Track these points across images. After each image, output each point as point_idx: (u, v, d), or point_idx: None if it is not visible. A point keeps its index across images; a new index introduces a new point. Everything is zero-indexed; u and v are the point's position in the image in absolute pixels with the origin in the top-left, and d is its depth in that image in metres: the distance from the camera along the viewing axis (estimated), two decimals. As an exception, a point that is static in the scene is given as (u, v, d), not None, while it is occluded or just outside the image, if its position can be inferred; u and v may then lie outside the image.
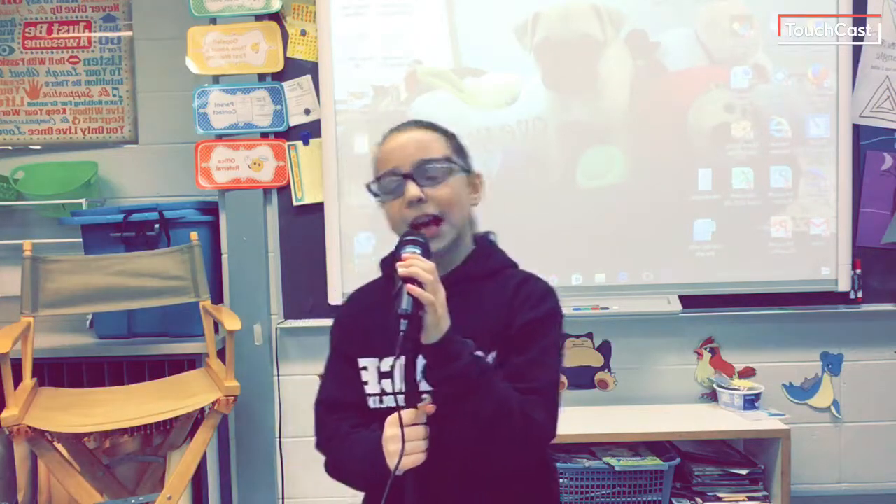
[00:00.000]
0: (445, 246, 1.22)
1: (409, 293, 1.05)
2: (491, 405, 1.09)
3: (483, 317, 1.20)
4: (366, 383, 1.24)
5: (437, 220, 1.20)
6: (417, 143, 1.22)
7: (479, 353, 1.16)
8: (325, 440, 1.26)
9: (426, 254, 1.14)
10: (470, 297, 1.22)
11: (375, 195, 1.25)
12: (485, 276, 1.25)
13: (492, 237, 1.35)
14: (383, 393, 1.22)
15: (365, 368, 1.24)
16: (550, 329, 1.21)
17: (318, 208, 2.58)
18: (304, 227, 2.59)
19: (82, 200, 2.68)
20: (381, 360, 1.23)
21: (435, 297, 1.07)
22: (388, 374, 1.21)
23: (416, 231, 1.18)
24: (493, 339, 1.19)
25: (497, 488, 1.19)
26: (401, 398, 1.14)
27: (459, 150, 1.28)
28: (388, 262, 1.32)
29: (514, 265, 1.31)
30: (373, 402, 1.23)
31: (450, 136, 1.27)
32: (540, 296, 1.23)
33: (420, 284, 1.06)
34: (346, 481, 1.25)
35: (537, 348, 1.18)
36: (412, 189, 1.19)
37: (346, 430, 1.23)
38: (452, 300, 1.15)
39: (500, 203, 2.51)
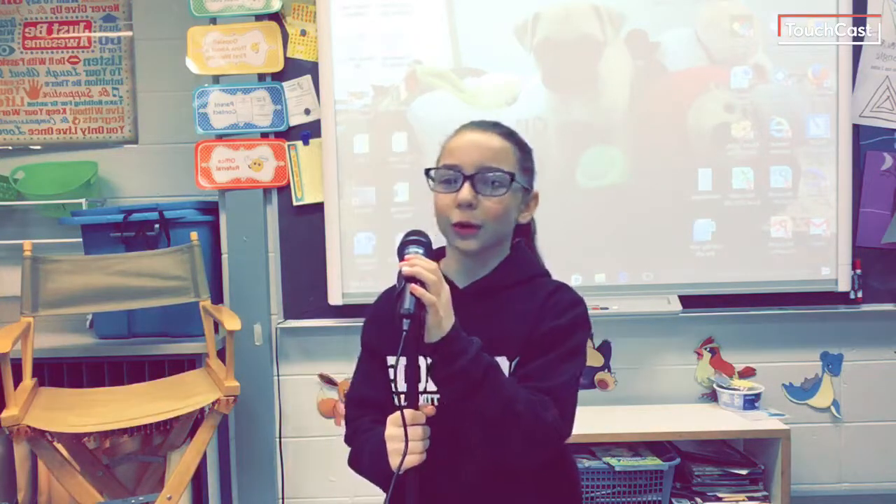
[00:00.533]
0: (475, 249, 1.22)
1: (411, 293, 1.06)
2: (496, 403, 1.09)
3: (511, 323, 1.21)
4: (393, 381, 1.24)
5: (476, 227, 1.20)
6: (488, 149, 1.21)
7: (503, 358, 1.17)
8: (351, 434, 1.29)
9: (428, 254, 1.14)
10: (498, 303, 1.23)
11: (431, 180, 1.25)
12: (515, 284, 1.25)
13: (536, 243, 1.36)
14: None
15: (393, 366, 1.24)
16: (573, 337, 1.20)
17: (318, 208, 2.58)
18: (304, 227, 2.59)
19: (82, 200, 2.68)
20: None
21: (437, 298, 1.07)
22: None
23: (419, 231, 1.18)
24: (521, 345, 1.19)
25: (513, 484, 1.20)
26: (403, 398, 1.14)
27: (527, 167, 1.27)
28: None
29: (547, 274, 1.31)
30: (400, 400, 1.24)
31: (524, 152, 1.27)
32: (568, 304, 1.22)
33: (423, 284, 1.07)
34: (363, 475, 1.27)
35: (558, 352, 1.18)
36: (466, 192, 1.19)
37: (366, 425, 1.25)
38: (481, 306, 1.17)
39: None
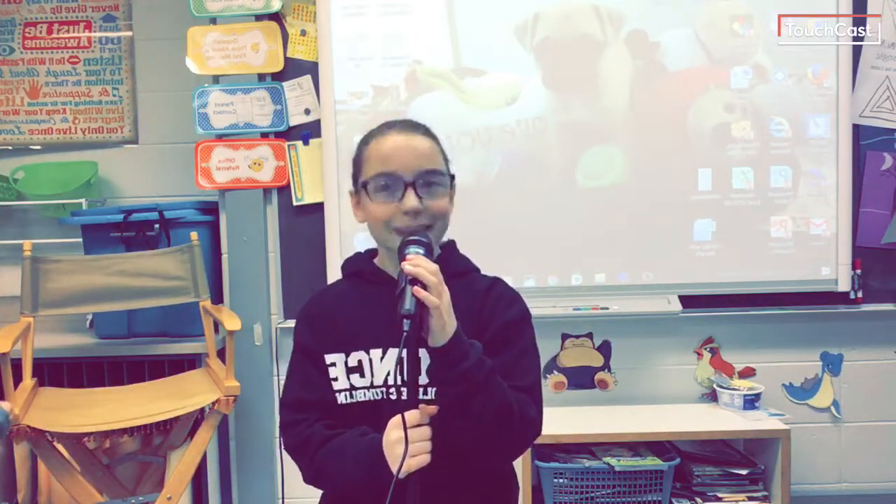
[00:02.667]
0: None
1: (413, 294, 1.05)
2: (494, 405, 1.10)
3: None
4: (335, 379, 1.22)
5: (426, 227, 1.19)
6: (421, 151, 1.20)
7: None
8: (299, 444, 1.21)
9: (429, 255, 1.13)
10: None
11: (359, 189, 1.23)
12: (452, 277, 1.21)
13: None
14: (352, 388, 1.22)
15: (333, 364, 1.23)
16: (526, 328, 1.24)
17: (318, 208, 2.57)
18: (304, 227, 2.59)
19: (82, 200, 2.68)
20: (348, 355, 1.22)
21: (440, 300, 1.07)
22: (357, 369, 1.21)
23: (420, 231, 1.17)
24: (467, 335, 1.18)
25: (462, 489, 1.18)
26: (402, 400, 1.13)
27: (447, 159, 1.26)
28: (352, 264, 1.33)
29: (478, 269, 1.33)
30: (343, 398, 1.22)
31: (440, 145, 1.26)
32: (511, 297, 1.25)
33: (424, 286, 1.06)
34: (329, 487, 1.23)
35: (519, 346, 1.20)
36: (413, 199, 1.17)
37: (323, 432, 1.19)
38: None
39: (500, 203, 2.52)
